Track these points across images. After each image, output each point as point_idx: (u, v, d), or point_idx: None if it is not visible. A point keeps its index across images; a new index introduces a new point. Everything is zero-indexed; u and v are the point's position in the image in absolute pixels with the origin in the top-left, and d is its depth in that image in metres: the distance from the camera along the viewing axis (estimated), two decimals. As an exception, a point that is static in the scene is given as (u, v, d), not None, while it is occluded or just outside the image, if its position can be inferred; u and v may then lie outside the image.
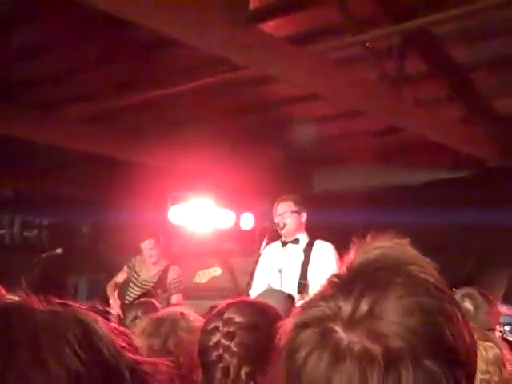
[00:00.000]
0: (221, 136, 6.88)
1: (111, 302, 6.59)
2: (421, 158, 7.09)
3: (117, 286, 6.72)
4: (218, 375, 1.74)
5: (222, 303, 1.87)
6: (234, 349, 1.74)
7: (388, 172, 7.31)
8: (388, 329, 0.83)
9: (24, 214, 9.41)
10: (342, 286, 0.90)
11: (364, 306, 0.85)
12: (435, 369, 0.82)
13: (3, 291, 1.93)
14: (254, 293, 4.71)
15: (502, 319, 4.82)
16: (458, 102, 5.91)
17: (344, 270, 0.93)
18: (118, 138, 6.97)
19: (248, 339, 1.75)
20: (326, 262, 4.75)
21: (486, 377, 2.06)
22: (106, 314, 0.85)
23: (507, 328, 4.45)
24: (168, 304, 5.94)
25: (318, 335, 0.86)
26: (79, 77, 5.98)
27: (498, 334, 3.75)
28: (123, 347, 0.82)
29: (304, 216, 5.04)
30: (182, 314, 2.21)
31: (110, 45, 5.30)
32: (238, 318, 1.78)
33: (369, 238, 0.96)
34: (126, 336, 0.85)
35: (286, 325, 0.92)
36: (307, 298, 0.94)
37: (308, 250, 4.94)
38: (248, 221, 7.64)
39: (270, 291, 4.54)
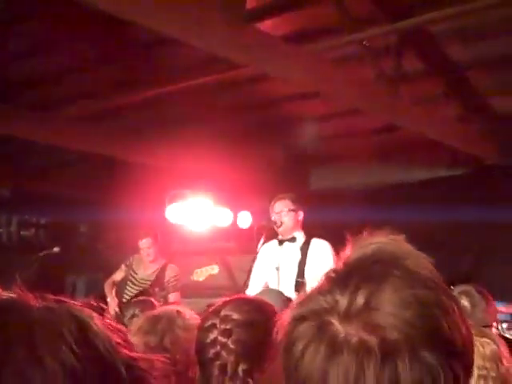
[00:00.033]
0: (218, 135, 6.88)
1: (109, 300, 6.58)
2: (418, 156, 7.10)
3: (114, 284, 6.71)
4: (216, 372, 1.74)
5: (219, 301, 1.87)
6: (231, 346, 1.74)
7: (386, 170, 7.32)
8: (384, 320, 0.83)
9: (21, 212, 9.39)
10: (338, 280, 0.90)
11: (360, 299, 0.85)
12: (432, 361, 0.82)
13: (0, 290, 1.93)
14: (252, 291, 4.71)
15: (499, 317, 4.83)
16: (455, 100, 5.92)
17: (341, 264, 0.93)
18: (116, 137, 6.97)
19: (245, 336, 1.75)
20: (322, 260, 4.75)
21: (484, 372, 2.07)
22: (100, 311, 0.85)
23: (504, 325, 4.46)
24: (166, 302, 5.94)
25: (314, 328, 0.87)
26: (77, 76, 5.98)
27: (494, 331, 3.75)
28: (119, 343, 0.82)
29: (301, 214, 5.04)
30: (178, 311, 2.21)
31: (109, 44, 5.30)
32: (235, 316, 1.78)
33: (365, 234, 0.97)
34: (121, 332, 0.85)
35: (283, 319, 0.92)
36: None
37: (305, 249, 4.94)
38: (245, 219, 7.64)
39: (268, 292, 4.54)
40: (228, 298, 1.87)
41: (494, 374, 2.09)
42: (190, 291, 6.96)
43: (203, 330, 1.80)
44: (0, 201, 8.99)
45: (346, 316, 0.85)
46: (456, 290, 3.69)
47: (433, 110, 5.93)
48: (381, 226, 0.98)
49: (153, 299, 4.47)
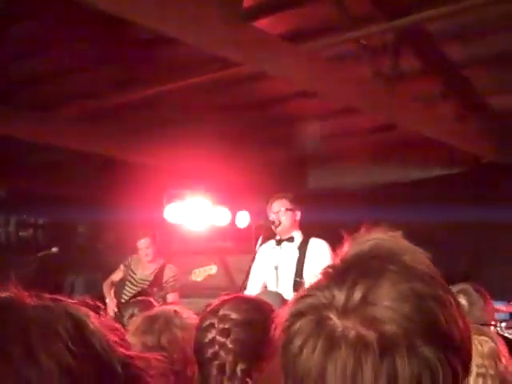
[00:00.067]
0: (216, 135, 6.87)
1: (107, 300, 6.58)
2: (416, 155, 7.10)
3: (113, 284, 6.71)
4: (214, 372, 1.73)
5: (217, 300, 1.87)
6: (230, 345, 1.74)
7: (383, 169, 7.32)
8: (382, 314, 0.83)
9: (19, 213, 9.39)
10: (336, 275, 0.90)
11: (358, 294, 0.85)
12: (430, 355, 0.82)
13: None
14: (250, 292, 4.71)
15: (497, 316, 4.83)
16: (452, 98, 5.92)
17: (338, 260, 0.93)
18: (114, 137, 6.97)
19: (243, 336, 1.75)
20: (321, 259, 4.76)
21: (482, 371, 2.07)
22: (97, 309, 0.85)
23: (503, 324, 4.46)
24: (164, 302, 5.93)
25: (312, 323, 0.86)
26: (75, 76, 5.97)
27: (492, 329, 3.75)
28: (115, 342, 0.82)
29: (298, 214, 5.05)
30: (175, 311, 2.21)
31: (108, 44, 5.29)
32: (233, 315, 1.77)
33: (362, 231, 0.97)
34: (117, 331, 0.85)
35: (282, 315, 0.92)
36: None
37: (303, 248, 4.94)
38: (244, 219, 7.64)
39: (266, 293, 4.55)
40: (226, 297, 1.86)
41: (492, 372, 2.09)
42: (189, 291, 6.95)
43: (201, 329, 1.79)
44: (-2, 201, 8.99)
45: (344, 311, 0.85)
46: (454, 289, 3.69)
47: (430, 108, 5.93)
48: (379, 225, 0.98)
49: (152, 299, 4.46)
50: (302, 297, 0.91)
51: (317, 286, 0.91)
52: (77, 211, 8.80)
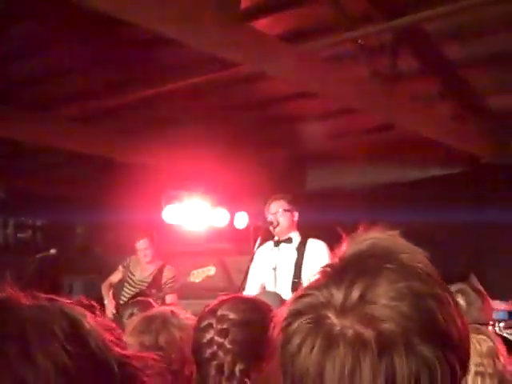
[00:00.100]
0: (214, 135, 6.87)
1: (106, 302, 6.58)
2: (414, 155, 7.10)
3: (111, 285, 6.71)
4: (213, 372, 1.73)
5: (215, 300, 1.86)
6: (228, 346, 1.73)
7: (381, 169, 7.32)
8: (380, 313, 0.83)
9: (18, 214, 9.38)
10: (334, 274, 0.91)
11: (356, 292, 0.85)
12: (428, 353, 0.82)
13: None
14: (249, 293, 4.71)
15: (496, 316, 4.83)
16: (450, 98, 5.92)
17: (336, 260, 0.94)
18: (112, 137, 6.97)
19: (242, 336, 1.75)
20: (319, 260, 4.76)
21: (481, 369, 2.08)
22: (92, 309, 0.85)
23: (502, 324, 4.46)
24: (163, 304, 5.93)
25: (311, 323, 0.87)
26: (73, 76, 5.96)
27: (491, 329, 3.75)
28: (112, 341, 0.82)
29: (296, 215, 5.05)
30: (172, 311, 2.22)
31: (105, 44, 5.29)
32: (231, 315, 1.77)
33: (361, 230, 0.97)
34: (114, 331, 0.85)
35: (280, 314, 0.92)
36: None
37: (301, 249, 4.95)
38: (242, 220, 7.64)
39: (265, 294, 4.55)
40: (224, 298, 1.86)
41: (490, 371, 2.10)
42: (187, 292, 6.95)
43: (199, 329, 1.79)
44: (-4, 203, 8.99)
45: (342, 309, 0.85)
46: (452, 289, 3.68)
47: (428, 108, 5.93)
48: (377, 225, 0.98)
49: (151, 300, 4.46)
50: (301, 296, 0.91)
51: (315, 286, 0.91)
52: (75, 212, 8.81)
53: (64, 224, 9.57)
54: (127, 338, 2.05)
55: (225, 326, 1.76)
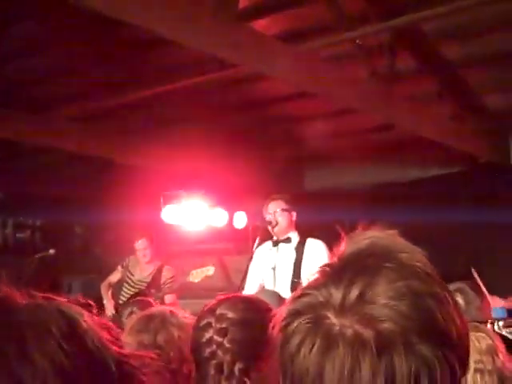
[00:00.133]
0: (213, 135, 6.87)
1: (105, 302, 6.58)
2: (413, 155, 7.11)
3: (111, 285, 6.71)
4: (212, 372, 1.72)
5: (214, 299, 1.87)
6: (227, 345, 1.73)
7: (380, 169, 7.33)
8: (379, 312, 0.83)
9: (17, 215, 9.38)
10: (332, 274, 0.91)
11: (354, 292, 0.85)
12: (427, 353, 0.82)
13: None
14: (248, 293, 4.71)
15: (495, 314, 4.84)
16: (448, 98, 5.93)
17: (335, 259, 0.94)
18: (111, 138, 6.97)
19: (241, 335, 1.74)
20: (318, 259, 4.76)
21: (480, 366, 2.09)
22: (89, 307, 0.85)
23: (501, 323, 4.46)
24: (162, 304, 5.93)
25: (310, 322, 0.86)
26: (69, 77, 5.97)
27: (489, 326, 3.76)
28: (109, 340, 0.82)
29: (294, 215, 5.05)
30: (171, 311, 2.22)
31: (103, 44, 5.29)
32: (230, 314, 1.77)
33: (359, 229, 0.97)
34: (111, 329, 0.85)
35: (279, 314, 0.92)
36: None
37: (300, 249, 4.95)
38: (241, 219, 7.64)
39: (263, 292, 4.55)
40: (223, 296, 1.86)
41: (490, 368, 2.11)
42: (186, 292, 6.95)
43: (199, 328, 1.79)
44: (-5, 203, 8.98)
45: (341, 309, 0.85)
46: (450, 288, 3.69)
47: (426, 108, 5.93)
48: (376, 224, 0.98)
49: (151, 299, 4.45)
50: (299, 296, 0.91)
51: (314, 285, 0.91)
52: (74, 213, 8.80)
53: (63, 224, 9.56)
54: (126, 337, 2.05)
55: (224, 325, 1.75)
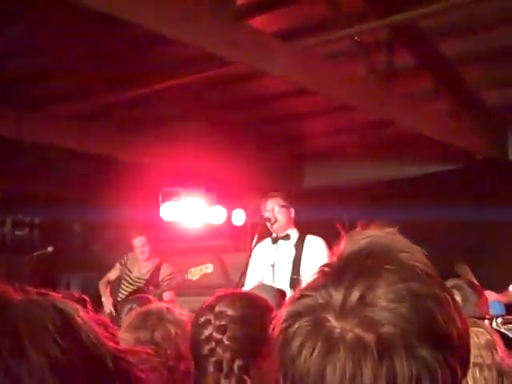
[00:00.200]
0: (212, 133, 6.87)
1: (103, 299, 6.57)
2: (411, 152, 7.11)
3: (109, 283, 6.70)
4: (211, 369, 1.71)
5: (213, 296, 1.86)
6: (227, 342, 1.72)
7: (379, 166, 7.33)
8: (380, 315, 0.83)
9: (15, 212, 9.37)
10: (332, 274, 0.90)
11: (355, 294, 0.85)
12: (428, 356, 0.82)
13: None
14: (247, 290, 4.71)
15: (493, 311, 4.84)
16: (446, 95, 5.93)
17: (334, 259, 0.93)
18: (109, 135, 6.96)
19: (240, 332, 1.73)
20: (317, 256, 4.75)
21: (479, 361, 2.08)
22: (84, 303, 0.85)
23: (499, 320, 4.47)
24: (160, 301, 5.93)
25: (310, 325, 0.86)
26: (68, 75, 5.96)
27: (487, 322, 3.76)
28: (105, 336, 0.82)
29: (292, 212, 5.04)
30: (168, 308, 2.21)
31: (100, 42, 5.29)
32: (229, 312, 1.76)
33: (359, 228, 0.96)
34: (106, 325, 0.85)
35: (279, 315, 0.91)
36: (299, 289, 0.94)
37: (299, 245, 4.94)
38: (239, 217, 7.64)
39: (261, 287, 4.54)
40: (222, 293, 1.86)
41: (489, 362, 2.10)
42: (185, 290, 6.95)
43: (198, 325, 1.78)
44: (-7, 201, 8.97)
45: (342, 312, 0.85)
46: (447, 284, 3.68)
47: (425, 105, 5.93)
48: (375, 222, 0.98)
49: (150, 296, 4.45)
50: (299, 297, 0.90)
51: (313, 286, 0.90)
52: (73, 210, 8.80)
53: (61, 222, 9.56)
54: (123, 334, 2.05)
55: (223, 323, 1.74)
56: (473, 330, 2.11)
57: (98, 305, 6.36)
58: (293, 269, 4.86)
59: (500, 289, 5.70)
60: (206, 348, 1.73)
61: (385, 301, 0.84)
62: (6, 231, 9.30)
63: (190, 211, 7.51)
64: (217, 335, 1.73)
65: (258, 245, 5.05)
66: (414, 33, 5.06)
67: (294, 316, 0.89)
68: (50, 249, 6.70)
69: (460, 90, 5.87)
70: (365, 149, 7.22)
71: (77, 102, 6.36)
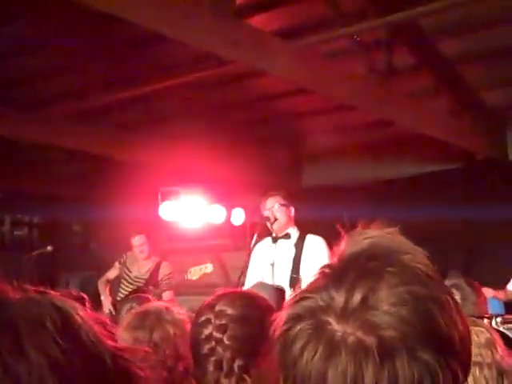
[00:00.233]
0: (211, 132, 6.87)
1: (103, 298, 6.57)
2: (411, 152, 7.10)
3: (108, 282, 6.70)
4: (211, 368, 1.71)
5: (213, 295, 1.86)
6: (227, 342, 1.72)
7: (378, 166, 7.33)
8: (381, 319, 0.82)
9: (14, 212, 9.37)
10: (333, 276, 0.89)
11: (357, 297, 0.84)
12: (430, 359, 0.81)
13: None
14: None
15: (492, 309, 4.83)
16: (446, 94, 5.93)
17: (335, 260, 0.92)
18: (108, 134, 6.96)
19: (240, 332, 1.73)
20: (317, 255, 4.75)
21: (479, 359, 2.08)
22: (82, 301, 0.85)
23: (499, 319, 4.47)
24: (160, 300, 5.92)
25: (311, 328, 0.86)
26: (66, 74, 5.96)
27: (486, 321, 3.76)
28: (104, 335, 0.82)
29: (292, 210, 5.03)
30: (166, 307, 2.21)
31: (99, 42, 5.28)
32: (229, 311, 1.75)
33: (359, 228, 0.96)
34: (105, 324, 0.85)
35: (280, 317, 0.91)
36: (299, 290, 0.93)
37: (299, 244, 4.94)
38: (239, 216, 7.64)
39: (260, 285, 4.53)
40: (221, 292, 1.85)
41: (489, 361, 2.10)
42: (184, 289, 6.95)
43: (198, 325, 1.78)
44: (-8, 200, 8.97)
45: (343, 315, 0.84)
46: (446, 283, 3.68)
47: (424, 104, 5.93)
48: (375, 221, 0.97)
49: (150, 296, 4.45)
50: (300, 299, 0.90)
51: (314, 288, 0.90)
52: (71, 210, 8.80)
53: (60, 221, 9.57)
54: (122, 333, 2.05)
55: (223, 322, 1.74)
56: (473, 329, 2.11)
57: (96, 304, 6.36)
58: (293, 268, 4.85)
59: (500, 288, 5.69)
60: (206, 347, 1.73)
61: (386, 304, 0.83)
62: (5, 231, 9.30)
63: (190, 210, 7.51)
64: (217, 334, 1.73)
65: (258, 244, 5.04)
66: (414, 31, 5.05)
67: (295, 318, 0.88)
68: (49, 248, 6.71)
69: (460, 89, 5.87)
70: (364, 148, 7.21)
71: (76, 102, 6.35)
